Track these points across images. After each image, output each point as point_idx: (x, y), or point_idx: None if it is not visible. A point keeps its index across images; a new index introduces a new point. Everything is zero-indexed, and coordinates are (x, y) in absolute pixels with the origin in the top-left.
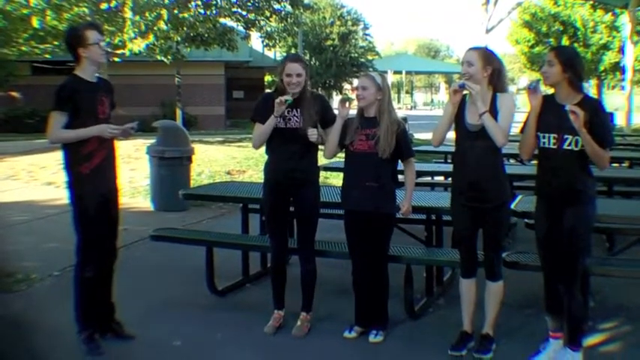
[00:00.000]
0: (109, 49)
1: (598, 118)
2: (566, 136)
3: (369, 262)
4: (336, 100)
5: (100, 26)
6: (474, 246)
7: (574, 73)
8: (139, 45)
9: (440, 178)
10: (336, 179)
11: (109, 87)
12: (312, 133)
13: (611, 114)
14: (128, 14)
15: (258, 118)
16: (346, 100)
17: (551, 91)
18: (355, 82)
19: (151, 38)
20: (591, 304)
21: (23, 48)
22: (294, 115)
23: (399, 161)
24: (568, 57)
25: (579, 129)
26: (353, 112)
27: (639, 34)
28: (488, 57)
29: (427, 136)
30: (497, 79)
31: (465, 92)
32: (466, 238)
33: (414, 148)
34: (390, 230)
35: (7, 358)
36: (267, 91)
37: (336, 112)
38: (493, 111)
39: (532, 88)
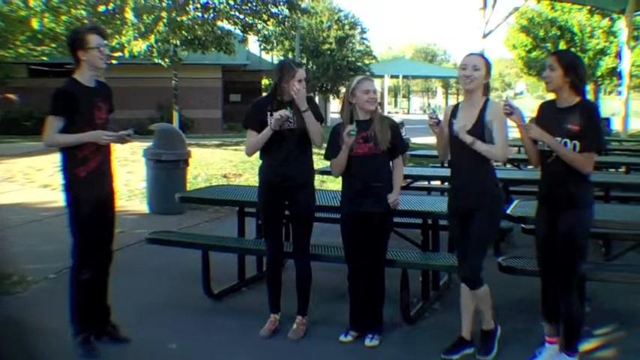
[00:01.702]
0: (108, 52)
1: (589, 121)
2: (557, 139)
3: (366, 266)
4: (333, 104)
5: (104, 31)
6: None
7: (576, 77)
8: (139, 46)
9: (436, 183)
10: (333, 183)
11: (107, 91)
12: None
13: (608, 119)
14: (130, 14)
15: (250, 125)
16: (353, 135)
17: (550, 96)
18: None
19: (152, 39)
20: (587, 310)
21: (20, 50)
22: (288, 117)
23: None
24: (570, 61)
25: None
26: (337, 115)
27: (636, 40)
28: (489, 66)
29: (424, 140)
30: (487, 87)
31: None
32: (461, 243)
33: (411, 153)
34: (390, 230)
35: None
36: (264, 94)
37: (333, 114)
38: (481, 118)
39: (509, 113)
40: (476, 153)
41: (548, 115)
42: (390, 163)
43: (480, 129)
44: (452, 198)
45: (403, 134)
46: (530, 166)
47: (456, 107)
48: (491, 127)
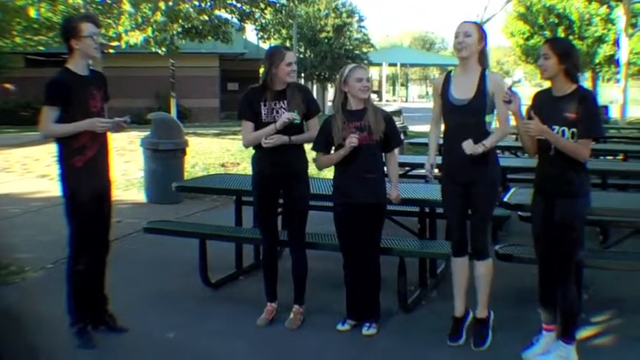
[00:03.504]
0: (105, 41)
1: (585, 108)
2: (553, 127)
3: (361, 255)
4: (331, 93)
5: (97, 19)
6: (464, 223)
7: (571, 64)
8: (136, 38)
9: (434, 171)
10: (330, 172)
11: (101, 80)
12: (269, 140)
13: (606, 107)
14: (127, 6)
15: (244, 116)
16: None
17: (549, 84)
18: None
19: (149, 31)
20: (584, 297)
21: (17, 40)
22: (282, 107)
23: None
24: (563, 48)
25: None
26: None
27: (634, 27)
28: (482, 33)
29: (421, 128)
30: (484, 57)
31: (450, 69)
32: (456, 215)
33: (409, 141)
34: (383, 220)
35: (0, 350)
36: (253, 86)
37: (330, 103)
38: (482, 88)
39: (508, 101)
40: (473, 127)
41: (545, 104)
42: (384, 156)
43: (482, 100)
44: (448, 169)
45: (401, 122)
46: (526, 155)
47: (448, 76)
48: (493, 100)
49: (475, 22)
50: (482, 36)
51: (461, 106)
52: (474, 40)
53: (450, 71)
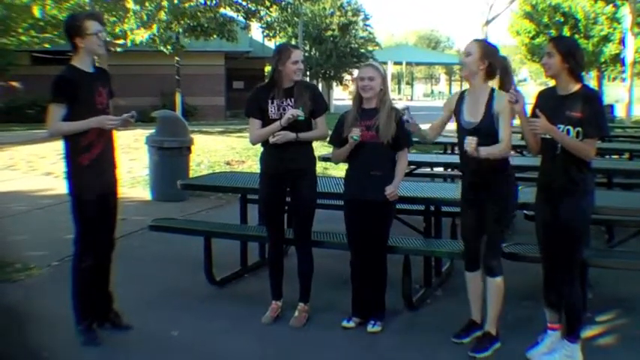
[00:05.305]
0: (110, 39)
1: (590, 107)
2: (558, 126)
3: (368, 252)
4: (336, 91)
5: (101, 17)
6: (477, 239)
7: (574, 63)
8: (141, 36)
9: (439, 169)
10: (336, 170)
11: (106, 76)
12: (277, 136)
13: (612, 106)
14: (130, 4)
15: (251, 114)
16: (356, 140)
17: (552, 83)
18: (356, 72)
19: (154, 29)
20: (590, 296)
21: (23, 38)
22: (289, 104)
23: None
24: (567, 47)
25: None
26: (347, 102)
27: None
28: (488, 50)
29: (426, 127)
30: (502, 74)
31: (464, 89)
32: (471, 232)
33: (414, 139)
34: (391, 219)
35: (5, 348)
36: (261, 84)
37: (336, 101)
38: (489, 110)
39: (514, 101)
40: (486, 141)
41: (549, 103)
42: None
43: (490, 121)
44: (465, 187)
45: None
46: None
47: (462, 95)
48: (498, 119)
49: (481, 40)
50: (487, 54)
51: (469, 129)
52: (474, 59)
53: (465, 90)
